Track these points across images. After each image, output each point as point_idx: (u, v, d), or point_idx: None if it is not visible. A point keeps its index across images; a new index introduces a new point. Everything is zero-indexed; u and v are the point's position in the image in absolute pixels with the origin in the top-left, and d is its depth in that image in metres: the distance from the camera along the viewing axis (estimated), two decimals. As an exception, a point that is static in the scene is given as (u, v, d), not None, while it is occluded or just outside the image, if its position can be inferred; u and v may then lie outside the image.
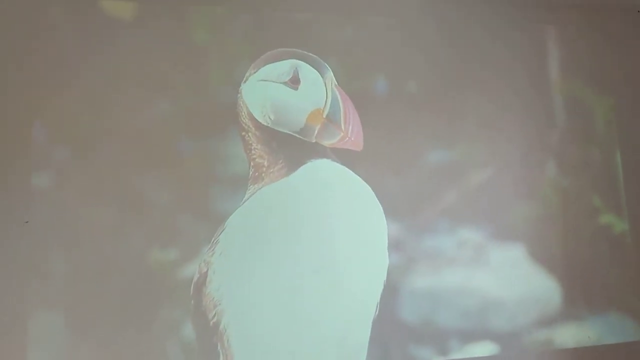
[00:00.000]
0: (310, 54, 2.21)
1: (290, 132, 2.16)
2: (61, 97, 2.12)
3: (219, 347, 2.05)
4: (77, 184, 2.09)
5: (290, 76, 2.15)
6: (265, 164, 2.16)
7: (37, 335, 1.99)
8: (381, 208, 2.23)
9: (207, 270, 2.07)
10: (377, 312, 2.21)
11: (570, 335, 2.50)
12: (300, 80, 2.15)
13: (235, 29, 2.35)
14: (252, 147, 2.18)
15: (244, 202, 2.15)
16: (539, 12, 2.78)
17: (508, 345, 2.43)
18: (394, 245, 2.33)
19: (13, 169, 2.03)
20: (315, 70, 2.16)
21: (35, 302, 2.00)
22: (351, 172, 2.26)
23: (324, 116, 2.14)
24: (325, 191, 2.23)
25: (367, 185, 2.24)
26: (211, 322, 2.05)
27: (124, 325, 2.06)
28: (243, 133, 2.17)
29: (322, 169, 2.21)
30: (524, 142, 2.63)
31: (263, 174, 2.17)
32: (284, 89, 2.14)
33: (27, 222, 2.01)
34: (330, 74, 2.18)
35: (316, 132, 2.14)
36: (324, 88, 2.15)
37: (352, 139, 2.15)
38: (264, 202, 2.13)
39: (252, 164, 2.18)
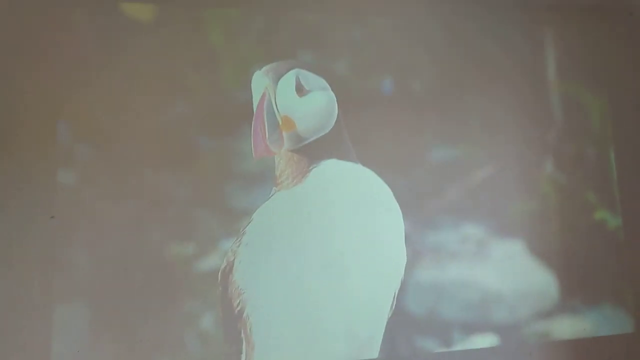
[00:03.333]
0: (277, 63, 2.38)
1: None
2: (84, 97, 2.24)
3: (242, 334, 2.21)
4: (100, 181, 2.22)
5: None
6: (279, 172, 2.33)
7: (61, 326, 2.12)
8: (397, 206, 2.39)
9: (233, 259, 2.22)
10: (393, 308, 2.38)
11: (567, 327, 2.67)
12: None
13: (248, 30, 2.47)
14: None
15: (270, 198, 2.30)
16: (537, 14, 2.92)
17: (508, 336, 2.59)
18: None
19: (39, 166, 2.16)
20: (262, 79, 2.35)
21: (60, 293, 2.13)
22: (360, 167, 2.42)
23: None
24: (335, 191, 2.39)
25: (384, 184, 2.40)
26: (236, 310, 2.20)
27: (143, 316, 2.19)
28: None
29: (330, 170, 2.37)
30: (523, 140, 2.78)
31: (279, 180, 2.32)
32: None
33: (52, 217, 2.13)
34: (265, 81, 2.31)
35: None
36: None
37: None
38: (284, 202, 2.29)
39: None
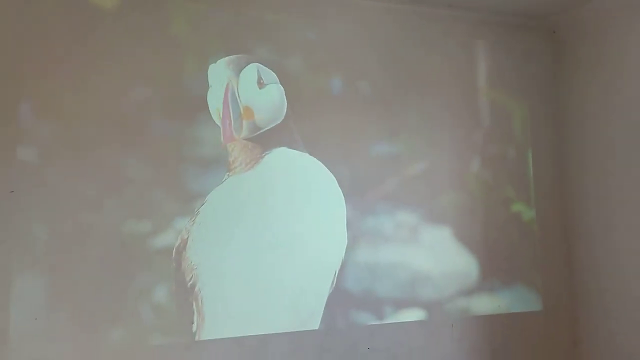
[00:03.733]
0: (235, 56, 2.60)
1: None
2: (47, 78, 2.33)
3: (194, 306, 2.39)
4: (60, 159, 2.32)
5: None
6: (232, 158, 2.53)
7: (19, 295, 2.21)
8: (341, 193, 2.64)
9: (187, 237, 2.39)
10: (334, 284, 2.62)
11: (484, 304, 3.01)
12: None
13: (211, 24, 2.63)
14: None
15: (223, 182, 2.48)
16: (472, 28, 3.22)
17: (433, 312, 2.90)
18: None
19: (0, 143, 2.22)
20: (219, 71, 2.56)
21: (19, 265, 2.22)
22: (308, 156, 2.65)
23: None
24: (284, 177, 2.62)
25: (329, 172, 2.64)
26: (189, 284, 2.38)
27: (100, 289, 2.32)
28: None
29: (281, 157, 2.59)
30: (454, 140, 3.09)
31: (232, 165, 2.51)
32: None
33: (12, 191, 2.21)
34: (228, 73, 2.53)
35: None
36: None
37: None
38: (236, 186, 2.50)
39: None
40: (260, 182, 2.57)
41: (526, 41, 3.35)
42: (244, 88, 2.52)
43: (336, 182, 2.69)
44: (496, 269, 3.06)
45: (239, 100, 2.50)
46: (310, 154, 2.70)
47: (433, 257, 2.93)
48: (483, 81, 3.23)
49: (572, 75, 3.27)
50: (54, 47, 2.36)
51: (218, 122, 2.53)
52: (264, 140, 2.58)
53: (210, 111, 2.55)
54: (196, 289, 2.40)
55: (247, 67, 2.54)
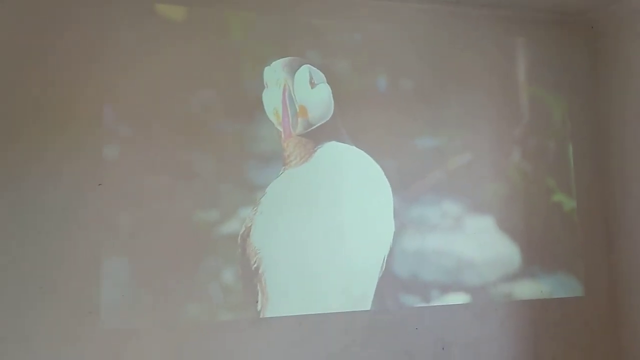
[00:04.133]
0: (287, 58, 2.85)
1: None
2: (126, 85, 2.64)
3: (258, 287, 2.66)
4: (138, 156, 2.62)
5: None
6: (287, 153, 2.79)
7: (108, 276, 2.52)
8: (388, 183, 2.86)
9: (251, 225, 2.66)
10: (383, 270, 2.84)
11: (526, 289, 3.16)
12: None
13: (264, 31, 2.89)
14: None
15: (280, 174, 2.73)
16: (510, 26, 3.36)
17: (478, 296, 3.07)
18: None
19: (88, 143, 2.55)
20: (274, 72, 2.80)
21: (106, 250, 2.53)
22: (357, 149, 2.88)
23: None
24: (336, 169, 2.86)
25: (376, 163, 2.86)
26: (253, 267, 2.64)
27: (175, 271, 2.61)
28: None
29: (331, 150, 2.84)
30: (495, 133, 3.24)
31: (288, 160, 2.76)
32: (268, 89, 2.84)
33: (100, 184, 2.52)
34: (283, 75, 2.77)
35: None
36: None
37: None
38: (293, 178, 2.77)
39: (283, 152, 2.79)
40: (314, 174, 2.82)
41: (564, 37, 3.46)
42: (299, 88, 2.78)
43: (382, 172, 2.91)
44: (538, 256, 3.20)
45: (295, 100, 2.75)
46: (358, 147, 2.91)
47: (477, 244, 3.10)
48: (523, 77, 3.36)
49: (611, 70, 3.37)
50: (130, 57, 2.66)
51: (273, 119, 2.78)
52: (316, 135, 2.82)
53: (266, 110, 2.80)
54: (260, 271, 2.66)
55: (300, 69, 2.79)
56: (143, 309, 2.54)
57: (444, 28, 3.22)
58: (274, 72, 2.78)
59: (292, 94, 2.75)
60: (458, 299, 3.02)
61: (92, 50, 2.61)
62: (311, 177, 2.81)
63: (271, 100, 2.79)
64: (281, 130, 2.76)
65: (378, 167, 2.91)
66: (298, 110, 2.76)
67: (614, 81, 3.35)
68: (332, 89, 2.91)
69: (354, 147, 2.89)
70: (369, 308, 2.85)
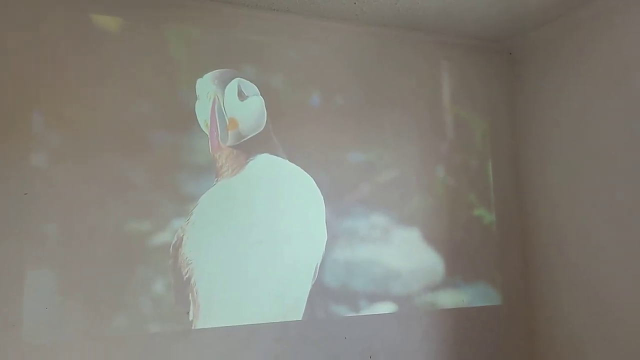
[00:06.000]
0: (218, 71, 2.93)
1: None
2: (57, 92, 2.62)
3: (190, 297, 2.68)
4: (69, 165, 2.60)
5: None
6: (219, 164, 2.85)
7: (31, 288, 2.47)
8: (320, 193, 2.98)
9: (183, 236, 2.69)
10: (315, 277, 2.95)
11: (449, 298, 3.37)
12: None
13: (202, 45, 2.95)
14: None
15: (213, 186, 2.79)
16: (437, 50, 3.62)
17: (403, 305, 3.24)
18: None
19: (14, 150, 2.50)
20: (205, 85, 2.89)
21: (31, 261, 2.48)
22: (289, 163, 3.00)
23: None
24: (267, 180, 2.95)
25: (307, 175, 2.99)
26: (185, 277, 2.67)
27: (105, 282, 2.60)
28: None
29: (263, 163, 2.93)
30: (422, 150, 3.46)
31: (220, 171, 2.83)
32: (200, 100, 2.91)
33: (26, 194, 2.49)
34: (214, 87, 2.86)
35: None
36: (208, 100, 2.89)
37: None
38: (225, 189, 2.84)
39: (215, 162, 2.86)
40: (246, 185, 2.90)
41: (485, 62, 3.76)
42: (229, 101, 2.87)
43: (315, 184, 3.04)
44: (460, 266, 3.43)
45: (224, 113, 2.83)
46: (292, 161, 3.03)
47: (403, 255, 3.28)
48: (447, 97, 3.61)
49: (526, 92, 3.68)
50: (63, 64, 2.64)
51: (206, 131, 2.85)
52: (248, 147, 2.92)
53: (199, 122, 2.86)
54: (192, 281, 2.70)
55: (230, 83, 2.89)
56: (69, 322, 2.51)
57: (376, 49, 3.41)
58: (205, 85, 2.86)
59: (222, 107, 2.83)
60: (385, 308, 3.18)
61: (24, 54, 2.58)
62: (244, 188, 2.89)
63: (202, 112, 2.87)
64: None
65: (310, 178, 3.03)
66: (228, 123, 2.84)
67: (529, 102, 3.66)
68: (267, 103, 3.01)
69: (286, 160, 3.00)
70: (300, 318, 2.94)
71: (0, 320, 2.39)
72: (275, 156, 2.98)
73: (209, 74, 2.91)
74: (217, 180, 2.84)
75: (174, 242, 2.71)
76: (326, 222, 3.06)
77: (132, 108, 2.76)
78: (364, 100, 3.32)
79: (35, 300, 2.46)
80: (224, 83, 2.90)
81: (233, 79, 2.93)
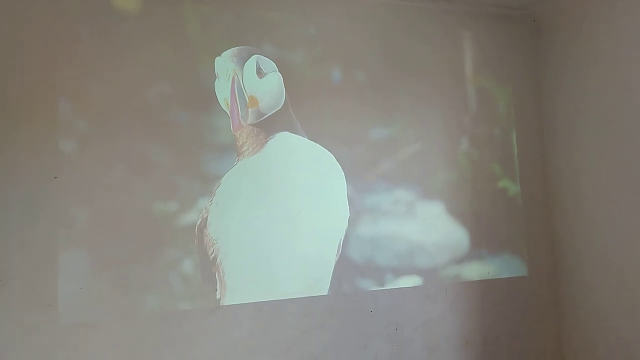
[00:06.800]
0: (236, 48, 2.92)
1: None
2: (80, 76, 2.65)
3: (216, 276, 2.74)
4: (95, 149, 2.64)
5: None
6: (239, 143, 2.86)
7: (65, 269, 2.55)
8: (341, 170, 2.98)
9: (207, 216, 2.73)
10: (339, 253, 2.97)
11: (474, 270, 3.37)
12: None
13: (219, 23, 2.94)
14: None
15: (234, 165, 2.81)
16: (457, 19, 3.54)
17: (429, 278, 3.26)
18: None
19: (42, 136, 2.55)
20: (224, 63, 2.88)
21: (63, 242, 2.55)
22: (309, 141, 3.00)
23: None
24: (288, 158, 2.96)
25: (328, 152, 2.99)
26: (210, 257, 2.72)
27: (135, 262, 2.66)
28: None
29: (284, 140, 2.94)
30: (444, 123, 3.42)
31: (241, 150, 2.84)
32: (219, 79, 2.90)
33: (55, 177, 2.54)
34: (233, 66, 2.85)
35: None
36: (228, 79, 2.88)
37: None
38: (247, 168, 2.86)
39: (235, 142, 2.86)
40: (267, 163, 2.92)
41: (509, 30, 3.67)
42: (248, 78, 2.86)
43: (335, 160, 3.03)
44: (485, 239, 3.41)
45: (244, 91, 2.83)
46: (312, 138, 3.03)
47: (427, 229, 3.28)
48: (470, 68, 3.54)
49: (551, 61, 3.59)
50: (85, 48, 2.67)
51: (227, 110, 2.85)
52: (267, 125, 2.92)
53: (219, 100, 2.87)
54: (217, 261, 2.75)
55: (249, 60, 2.88)
56: (102, 302, 2.59)
57: (396, 21, 3.35)
58: (224, 63, 2.85)
59: (242, 85, 2.83)
60: (410, 281, 3.20)
61: (48, 43, 2.61)
62: (265, 167, 2.90)
63: (222, 90, 2.87)
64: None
65: (330, 154, 3.03)
66: (248, 101, 2.84)
67: (553, 71, 3.57)
68: (286, 81, 3.00)
69: (306, 139, 2.99)
70: (326, 293, 2.98)
71: (37, 301, 2.48)
72: (294, 134, 2.98)
73: (227, 51, 2.90)
74: (238, 160, 2.86)
75: (198, 223, 2.75)
76: (348, 198, 3.06)
77: (154, 89, 2.78)
78: (385, 74, 3.28)
79: (69, 281, 2.54)
80: (242, 60, 2.89)
81: (251, 56, 2.91)
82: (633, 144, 2.97)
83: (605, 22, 3.16)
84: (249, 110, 2.86)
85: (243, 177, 2.86)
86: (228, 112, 2.85)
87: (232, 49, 2.90)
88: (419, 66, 3.37)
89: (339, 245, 3.01)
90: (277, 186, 2.93)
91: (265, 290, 2.85)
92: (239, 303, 2.80)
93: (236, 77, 2.84)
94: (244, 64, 2.89)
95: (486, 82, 3.57)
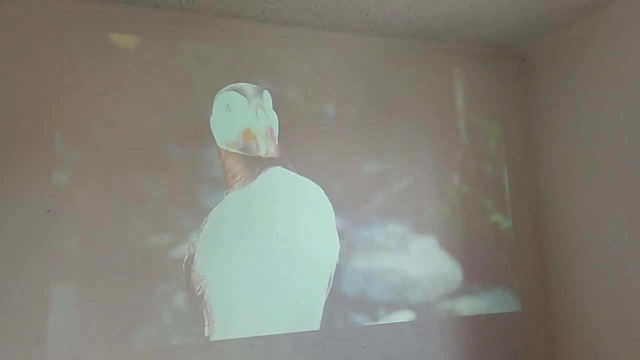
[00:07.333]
0: (248, 84, 2.98)
1: (238, 151, 2.91)
2: (77, 111, 2.68)
3: (204, 313, 2.72)
4: (88, 181, 2.65)
5: (227, 103, 2.93)
6: (231, 175, 2.87)
7: (56, 302, 2.52)
8: (329, 203, 3.01)
9: (194, 252, 2.72)
10: (330, 286, 2.96)
11: (467, 305, 3.36)
12: (230, 106, 2.94)
13: (217, 60, 3.00)
14: (223, 163, 2.90)
15: (223, 199, 2.82)
16: (449, 57, 3.63)
17: (422, 313, 3.24)
18: (338, 235, 3.09)
19: (37, 169, 2.56)
20: (244, 97, 2.94)
21: (54, 276, 2.54)
22: (299, 175, 3.03)
23: (254, 133, 2.91)
24: (279, 192, 2.98)
25: (317, 186, 3.03)
26: (198, 294, 2.70)
27: (126, 295, 2.64)
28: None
29: (275, 175, 2.95)
30: (436, 158, 3.47)
31: (232, 182, 2.86)
32: (223, 113, 2.93)
33: (48, 210, 2.54)
34: (257, 99, 2.95)
35: (255, 147, 2.91)
36: (251, 111, 2.93)
37: (270, 152, 2.94)
38: (235, 202, 2.87)
39: (225, 174, 2.88)
40: (255, 197, 2.92)
41: (499, 68, 3.76)
42: (269, 111, 2.98)
43: (324, 193, 3.06)
44: (477, 273, 3.42)
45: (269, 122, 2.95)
46: (305, 173, 3.06)
47: (421, 263, 3.28)
48: (461, 104, 3.62)
49: (541, 98, 3.67)
50: (83, 83, 2.71)
51: (261, 141, 2.93)
52: (260, 159, 2.94)
53: (215, 137, 2.90)
54: (205, 297, 2.73)
55: (264, 92, 2.97)
56: (92, 336, 2.55)
57: (388, 59, 3.43)
58: (244, 95, 2.93)
59: (266, 115, 2.91)
60: (404, 316, 3.18)
61: (45, 74, 2.64)
62: (253, 201, 2.91)
63: (219, 126, 2.91)
64: (265, 150, 2.92)
65: (319, 187, 3.05)
66: (267, 132, 2.89)
67: (543, 107, 3.65)
68: (280, 115, 3.05)
69: (296, 174, 3.03)
70: (318, 328, 2.95)
71: (25, 336, 2.45)
72: (285, 169, 3.00)
73: (244, 84, 2.96)
74: (227, 192, 2.87)
75: (185, 259, 2.74)
76: (340, 232, 3.07)
77: (149, 124, 2.81)
78: (378, 110, 3.34)
79: (59, 315, 2.51)
80: (261, 94, 2.96)
81: (263, 90, 3.01)
82: (624, 179, 3.02)
83: (592, 60, 3.25)
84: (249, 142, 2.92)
85: (232, 212, 2.86)
86: (256, 142, 2.91)
87: (244, 84, 2.97)
88: (411, 102, 3.44)
89: (330, 279, 3.00)
90: (265, 220, 2.94)
91: (256, 325, 2.82)
92: (230, 338, 2.76)
93: (261, 109, 2.90)
94: (262, 97, 2.96)
95: (477, 118, 3.63)
